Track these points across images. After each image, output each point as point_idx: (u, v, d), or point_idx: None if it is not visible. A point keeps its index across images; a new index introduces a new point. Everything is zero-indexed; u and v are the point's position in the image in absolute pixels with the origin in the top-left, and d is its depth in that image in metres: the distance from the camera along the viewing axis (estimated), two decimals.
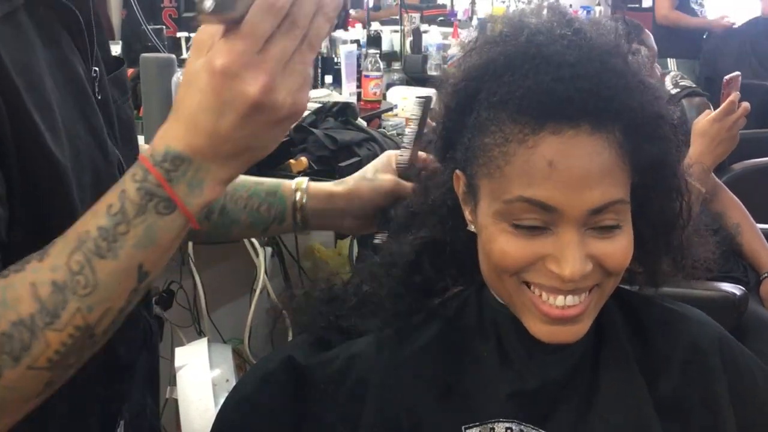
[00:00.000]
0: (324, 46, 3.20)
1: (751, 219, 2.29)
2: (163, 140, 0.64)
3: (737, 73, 1.79)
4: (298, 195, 1.07)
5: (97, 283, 0.63)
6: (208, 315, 2.32)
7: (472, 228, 0.87)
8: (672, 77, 3.35)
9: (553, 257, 0.79)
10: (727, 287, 1.82)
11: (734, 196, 2.31)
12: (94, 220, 0.64)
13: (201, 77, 0.62)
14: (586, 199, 0.77)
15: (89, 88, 0.79)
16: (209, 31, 0.63)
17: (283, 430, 0.88)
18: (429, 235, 0.91)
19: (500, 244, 0.81)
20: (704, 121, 1.77)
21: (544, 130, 0.77)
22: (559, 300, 0.80)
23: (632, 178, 0.81)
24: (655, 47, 2.46)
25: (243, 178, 1.07)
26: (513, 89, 0.78)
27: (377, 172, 1.07)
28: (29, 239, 0.66)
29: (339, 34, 3.30)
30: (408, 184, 1.02)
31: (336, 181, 1.09)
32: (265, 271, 2.23)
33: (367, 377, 0.87)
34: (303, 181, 1.08)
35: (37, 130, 0.68)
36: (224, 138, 0.63)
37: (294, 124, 0.66)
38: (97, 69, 0.82)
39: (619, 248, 0.80)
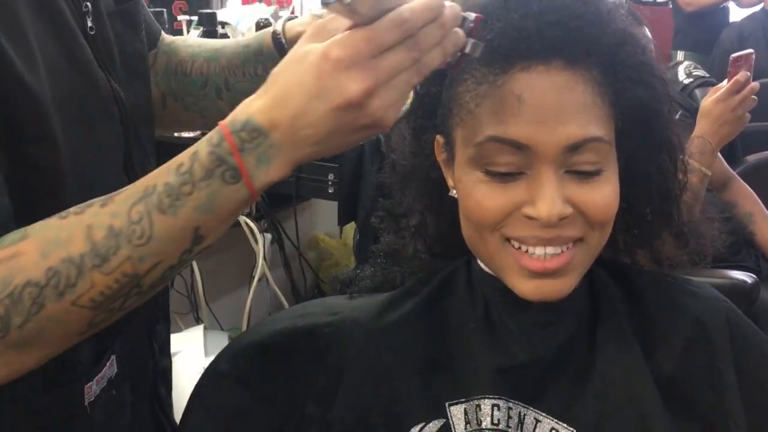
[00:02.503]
0: None
1: (764, 208, 2.24)
2: (246, 110, 0.65)
3: (749, 50, 1.72)
4: (280, 45, 1.04)
5: (152, 236, 0.64)
6: (206, 302, 2.29)
7: (453, 193, 0.83)
8: (685, 67, 3.28)
9: (529, 201, 0.75)
10: (738, 275, 1.77)
11: (747, 186, 2.26)
12: (162, 176, 0.65)
13: (310, 59, 0.63)
14: (560, 135, 0.73)
15: (75, 22, 0.79)
16: (335, 24, 0.64)
17: (260, 405, 0.84)
18: (417, 221, 0.89)
19: (476, 197, 0.77)
20: (708, 101, 1.72)
21: (514, 68, 0.74)
22: (539, 250, 0.76)
23: (616, 121, 0.77)
24: (649, 35, 2.39)
25: (225, 44, 1.08)
26: (485, 33, 0.75)
27: None
28: (9, 168, 0.67)
29: None
30: None
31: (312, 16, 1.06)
32: (264, 258, 2.20)
33: (346, 349, 0.83)
34: (279, 30, 1.05)
35: (10, 59, 0.68)
36: (307, 123, 0.63)
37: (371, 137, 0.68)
38: (89, 3, 0.82)
39: (601, 195, 0.76)
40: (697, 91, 3.08)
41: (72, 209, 0.66)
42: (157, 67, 1.05)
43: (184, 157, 0.66)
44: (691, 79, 3.15)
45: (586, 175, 0.75)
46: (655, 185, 0.83)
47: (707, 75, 3.22)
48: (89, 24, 0.82)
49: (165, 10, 2.50)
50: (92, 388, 0.82)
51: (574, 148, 0.74)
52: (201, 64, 1.04)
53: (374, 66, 0.62)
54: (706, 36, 4.67)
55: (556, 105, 0.73)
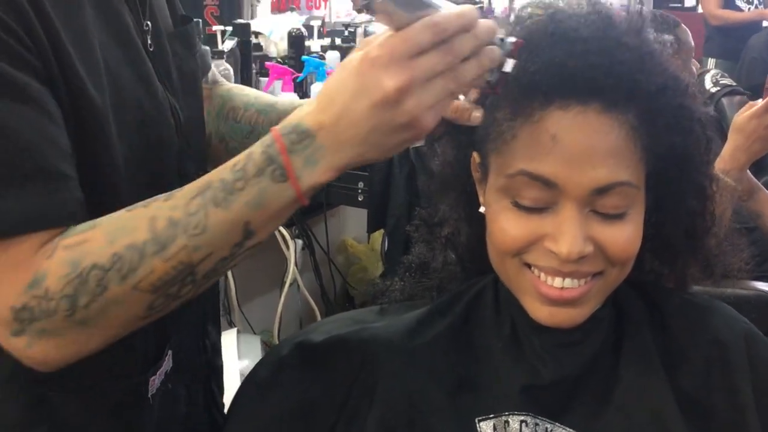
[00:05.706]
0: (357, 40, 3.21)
1: None
2: (298, 115, 0.70)
3: None
4: None
5: (207, 227, 0.69)
6: (239, 306, 2.34)
7: (482, 210, 0.86)
8: (712, 75, 3.27)
9: (551, 236, 0.77)
10: (762, 286, 1.76)
11: None
12: (219, 173, 0.71)
13: (353, 62, 0.68)
14: (589, 177, 0.75)
15: (138, 38, 0.85)
16: (378, 38, 0.69)
17: (297, 414, 0.87)
18: (450, 230, 0.92)
19: (500, 222, 0.79)
20: (742, 117, 1.72)
21: (552, 105, 0.75)
22: (557, 281, 0.78)
23: (647, 166, 0.78)
24: (692, 43, 2.39)
25: (279, 101, 1.12)
26: (528, 65, 0.76)
27: None
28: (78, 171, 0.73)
29: (372, 28, 3.31)
30: None
31: None
32: (296, 264, 2.24)
33: (379, 365, 0.85)
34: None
35: (74, 66, 0.74)
36: (350, 122, 0.67)
37: (413, 146, 0.72)
38: (149, 23, 0.89)
39: (623, 235, 0.78)
40: (724, 100, 3.07)
41: (139, 203, 0.72)
42: (211, 108, 1.11)
43: (240, 157, 0.71)
44: (718, 88, 3.14)
45: (610, 217, 0.77)
46: (682, 225, 0.85)
47: (734, 84, 3.21)
48: (149, 41, 0.88)
49: (200, 21, 2.56)
50: (155, 381, 0.88)
51: (602, 191, 0.75)
52: (252, 114, 1.10)
53: (410, 64, 0.66)
54: (736, 43, 4.63)
55: (588, 148, 0.74)
